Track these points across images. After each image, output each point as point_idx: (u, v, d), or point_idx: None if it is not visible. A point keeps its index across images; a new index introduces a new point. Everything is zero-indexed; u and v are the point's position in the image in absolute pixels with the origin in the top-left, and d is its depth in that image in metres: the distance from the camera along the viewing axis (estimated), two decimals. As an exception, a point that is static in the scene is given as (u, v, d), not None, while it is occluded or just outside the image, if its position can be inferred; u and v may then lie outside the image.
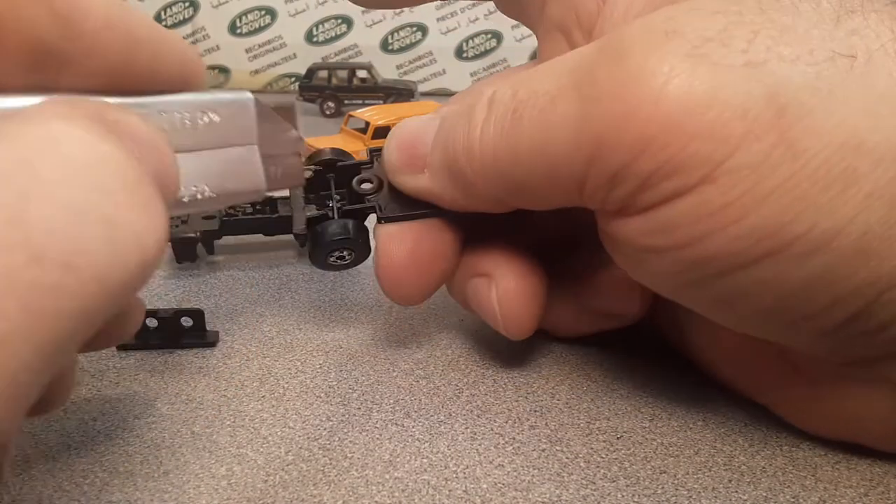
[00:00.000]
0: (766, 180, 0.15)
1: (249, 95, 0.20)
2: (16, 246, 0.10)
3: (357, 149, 0.47)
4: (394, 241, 0.23)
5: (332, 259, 0.25)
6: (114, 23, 0.15)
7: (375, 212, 0.23)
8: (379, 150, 0.24)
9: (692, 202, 0.16)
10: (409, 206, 0.23)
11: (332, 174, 0.25)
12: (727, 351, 0.22)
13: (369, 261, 0.25)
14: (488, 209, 0.21)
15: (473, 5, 0.89)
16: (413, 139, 0.22)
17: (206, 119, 0.19)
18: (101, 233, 0.11)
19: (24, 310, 0.10)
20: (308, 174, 0.24)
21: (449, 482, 0.19)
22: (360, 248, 0.25)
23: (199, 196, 0.19)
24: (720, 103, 0.15)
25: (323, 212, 0.25)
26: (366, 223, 0.25)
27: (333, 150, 0.26)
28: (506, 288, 0.23)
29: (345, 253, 0.25)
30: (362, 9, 0.79)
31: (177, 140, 0.17)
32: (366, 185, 0.24)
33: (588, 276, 0.24)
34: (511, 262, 0.23)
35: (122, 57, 0.16)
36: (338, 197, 0.25)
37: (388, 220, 0.23)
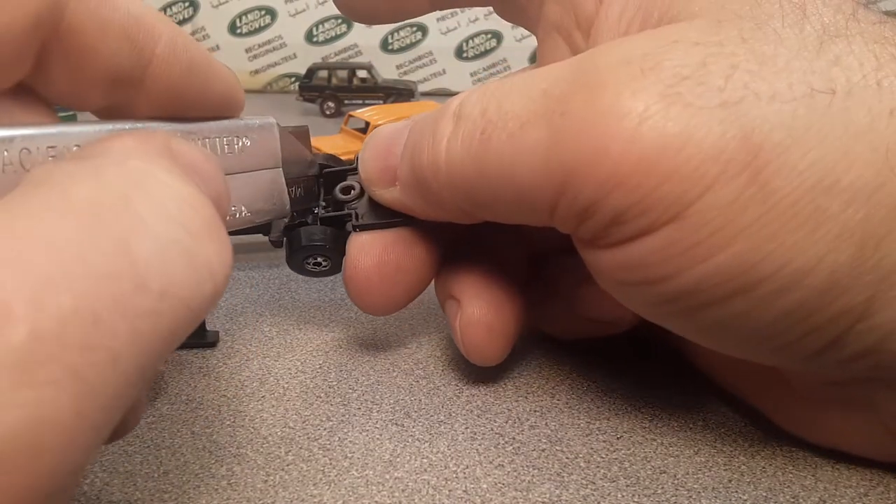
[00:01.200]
0: (735, 220, 0.15)
1: (272, 120, 0.22)
2: (124, 275, 0.11)
3: (357, 149, 0.47)
4: (362, 251, 0.23)
5: (309, 265, 0.25)
6: (178, 49, 0.17)
7: (352, 220, 0.23)
8: None
9: (662, 240, 0.16)
10: (386, 216, 0.23)
11: (321, 179, 0.25)
12: (724, 359, 0.22)
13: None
14: (461, 220, 0.21)
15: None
16: (385, 150, 0.22)
17: (239, 144, 0.20)
18: (186, 264, 0.12)
19: (132, 332, 0.11)
20: None
21: (449, 482, 0.19)
22: (335, 255, 0.25)
23: (237, 216, 0.21)
24: (693, 145, 0.15)
25: (302, 219, 0.25)
26: (347, 229, 0.25)
27: (326, 155, 0.26)
28: (470, 316, 0.22)
29: (320, 259, 0.25)
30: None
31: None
32: (347, 193, 0.24)
33: (582, 284, 0.24)
34: (481, 289, 0.23)
35: (182, 80, 0.17)
36: (324, 203, 0.25)
37: (362, 228, 0.23)
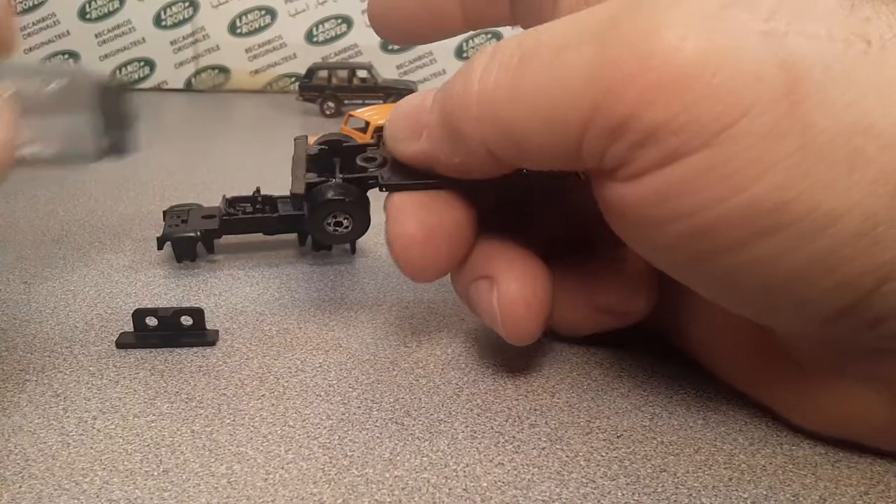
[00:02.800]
0: (771, 152, 0.15)
1: (89, 70, 0.23)
2: None
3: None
4: (404, 210, 0.22)
5: (329, 226, 0.25)
6: None
7: (377, 181, 0.23)
8: (379, 133, 0.24)
9: (693, 167, 0.16)
10: (411, 177, 0.23)
11: (337, 157, 0.25)
12: (728, 346, 0.22)
13: (369, 260, 0.25)
14: (482, 169, 0.21)
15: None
16: (417, 107, 0.22)
17: (53, 85, 0.22)
18: None
19: None
20: (312, 152, 0.25)
21: (449, 480, 0.19)
22: (358, 213, 0.25)
23: (40, 153, 0.22)
24: (734, 66, 0.15)
25: (324, 177, 0.25)
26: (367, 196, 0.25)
27: (341, 133, 0.26)
28: (507, 291, 0.22)
29: (343, 219, 0.25)
30: (363, 8, 0.79)
31: (27, 103, 0.21)
32: (369, 162, 0.24)
33: (595, 274, 0.24)
34: (515, 265, 0.23)
35: None
36: (342, 176, 0.25)
37: (391, 188, 0.23)
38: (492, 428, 0.22)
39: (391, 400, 0.23)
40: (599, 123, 0.17)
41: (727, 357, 0.23)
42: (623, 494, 0.19)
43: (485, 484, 0.19)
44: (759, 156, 0.15)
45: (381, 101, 0.73)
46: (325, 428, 0.22)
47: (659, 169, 0.17)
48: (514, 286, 0.22)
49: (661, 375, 0.25)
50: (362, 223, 0.25)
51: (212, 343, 0.26)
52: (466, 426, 0.22)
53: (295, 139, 0.27)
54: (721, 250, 0.17)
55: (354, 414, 0.22)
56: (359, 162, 0.24)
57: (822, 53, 0.15)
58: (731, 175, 0.16)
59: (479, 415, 0.22)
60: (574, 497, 0.19)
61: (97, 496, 0.18)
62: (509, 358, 0.26)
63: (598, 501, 0.19)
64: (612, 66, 0.16)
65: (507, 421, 0.22)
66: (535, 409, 0.23)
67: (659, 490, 0.19)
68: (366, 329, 0.28)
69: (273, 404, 0.23)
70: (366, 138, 0.51)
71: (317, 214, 0.25)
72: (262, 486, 0.19)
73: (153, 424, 0.21)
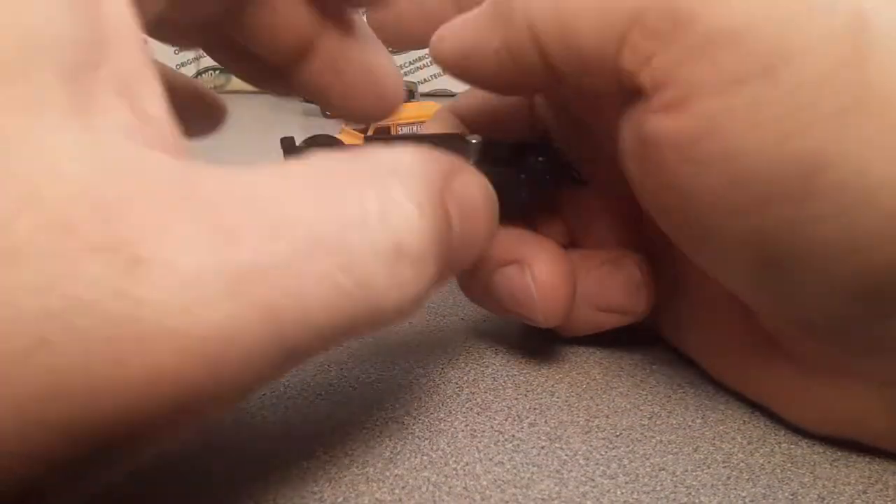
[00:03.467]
0: (824, 101, 0.14)
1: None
2: (334, 251, 0.12)
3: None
4: None
5: None
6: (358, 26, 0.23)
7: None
8: (379, 133, 0.24)
9: (747, 98, 0.15)
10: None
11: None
12: (725, 345, 0.23)
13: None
14: (517, 66, 0.19)
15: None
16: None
17: None
18: (385, 274, 0.13)
19: (324, 301, 0.12)
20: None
21: (449, 479, 0.19)
22: None
23: None
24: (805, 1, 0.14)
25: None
26: None
27: (328, 135, 0.26)
28: (542, 270, 0.22)
29: None
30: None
31: None
32: None
33: (594, 274, 0.24)
34: (543, 247, 0.23)
35: (349, 61, 0.23)
36: None
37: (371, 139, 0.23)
38: (491, 427, 0.22)
39: (391, 399, 0.23)
40: (652, 17, 0.16)
41: (725, 356, 0.23)
42: (622, 493, 0.19)
43: (484, 482, 0.19)
44: (812, 102, 0.14)
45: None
46: (325, 427, 0.22)
47: (708, 97, 0.15)
48: (549, 265, 0.23)
49: (660, 375, 0.25)
50: None
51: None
52: (466, 425, 0.22)
53: (281, 140, 0.26)
54: (755, 204, 0.16)
55: (355, 413, 0.22)
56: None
57: (892, 18, 0.14)
58: (780, 118, 0.14)
59: (478, 414, 0.23)
60: (573, 496, 0.19)
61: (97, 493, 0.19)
62: (508, 357, 0.26)
63: (598, 500, 0.19)
64: None
65: (506, 420, 0.22)
66: (535, 408, 0.23)
67: (658, 489, 0.19)
68: (366, 329, 0.28)
69: (273, 403, 0.23)
70: (366, 136, 0.51)
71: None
72: (262, 486, 0.19)
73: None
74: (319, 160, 0.14)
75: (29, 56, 0.11)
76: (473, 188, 0.16)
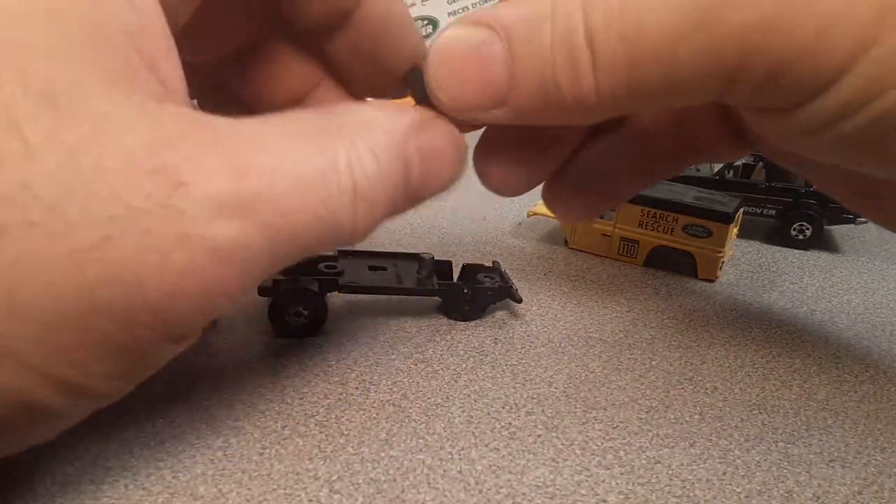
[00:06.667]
0: None
1: None
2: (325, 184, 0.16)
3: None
4: None
5: None
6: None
7: None
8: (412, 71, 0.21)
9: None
10: None
11: None
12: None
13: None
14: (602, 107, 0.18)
15: (485, 0, 0.89)
16: (475, 68, 0.19)
17: None
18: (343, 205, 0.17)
19: (306, 222, 0.16)
20: None
21: (444, 462, 0.19)
22: None
23: None
24: None
25: None
26: None
27: None
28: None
29: None
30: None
31: None
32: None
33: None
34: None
35: (381, 31, 0.22)
36: None
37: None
38: (488, 414, 0.22)
39: (389, 383, 0.23)
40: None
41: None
42: (617, 483, 0.19)
43: (479, 468, 0.19)
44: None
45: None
46: (322, 406, 0.22)
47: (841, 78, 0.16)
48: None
49: (659, 370, 0.25)
50: None
51: (213, 323, 0.26)
52: (463, 411, 0.22)
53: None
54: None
55: (352, 395, 0.22)
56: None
57: None
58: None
59: (476, 400, 0.22)
60: (568, 484, 0.19)
61: (93, 463, 0.19)
62: (508, 347, 0.26)
63: (592, 489, 0.19)
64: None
65: (503, 408, 0.22)
66: (533, 398, 0.23)
67: (653, 481, 0.19)
68: (365, 312, 0.28)
69: (271, 382, 0.23)
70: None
71: None
72: (257, 460, 0.19)
73: (149, 399, 0.21)
74: (309, 116, 0.18)
75: (96, 35, 0.14)
76: (438, 137, 0.19)
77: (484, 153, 0.22)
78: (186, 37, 0.18)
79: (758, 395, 0.24)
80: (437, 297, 0.28)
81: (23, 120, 0.13)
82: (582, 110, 0.18)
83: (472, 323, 0.27)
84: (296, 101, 0.23)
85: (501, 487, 0.19)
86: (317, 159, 0.16)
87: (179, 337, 0.15)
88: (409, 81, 0.21)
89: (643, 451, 0.20)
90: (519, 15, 0.18)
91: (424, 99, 0.19)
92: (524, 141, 0.22)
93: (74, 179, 0.13)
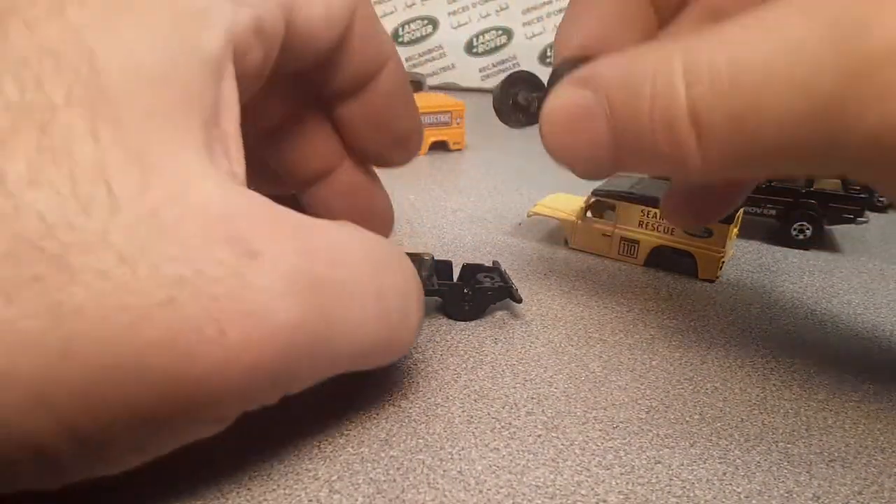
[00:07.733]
0: None
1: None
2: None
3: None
4: None
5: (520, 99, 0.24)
6: (399, 71, 0.24)
7: None
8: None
9: None
10: None
11: None
12: None
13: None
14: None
15: (486, 0, 0.89)
16: (581, 131, 0.19)
17: None
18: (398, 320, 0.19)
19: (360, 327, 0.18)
20: None
21: (444, 462, 0.19)
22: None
23: None
24: None
25: None
26: None
27: None
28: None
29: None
30: None
31: None
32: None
33: None
34: None
35: (387, 105, 0.24)
36: None
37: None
38: (488, 414, 0.22)
39: (388, 383, 0.23)
40: None
41: None
42: (617, 483, 0.19)
43: (479, 467, 0.19)
44: None
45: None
46: (321, 406, 0.22)
47: None
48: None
49: (659, 371, 0.25)
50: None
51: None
52: (463, 411, 0.22)
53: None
54: None
55: (351, 395, 0.22)
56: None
57: None
58: None
59: (476, 400, 0.22)
60: (568, 484, 0.19)
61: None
62: (508, 347, 0.26)
63: (592, 489, 0.19)
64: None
65: (503, 408, 0.22)
66: (532, 398, 0.23)
67: (653, 481, 0.19)
68: (366, 313, 0.28)
69: (271, 382, 0.23)
70: None
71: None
72: (255, 460, 0.19)
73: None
74: (368, 234, 0.19)
75: (189, 108, 0.15)
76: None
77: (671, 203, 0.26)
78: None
79: (758, 395, 0.24)
80: (437, 297, 0.28)
81: (113, 173, 0.13)
82: (688, 175, 0.18)
83: (472, 323, 0.28)
84: (323, 175, 0.25)
85: (501, 487, 0.19)
86: (374, 259, 0.18)
87: (211, 419, 0.15)
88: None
89: (643, 451, 0.20)
90: (619, 78, 0.18)
91: None
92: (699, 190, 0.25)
93: (150, 236, 0.13)
